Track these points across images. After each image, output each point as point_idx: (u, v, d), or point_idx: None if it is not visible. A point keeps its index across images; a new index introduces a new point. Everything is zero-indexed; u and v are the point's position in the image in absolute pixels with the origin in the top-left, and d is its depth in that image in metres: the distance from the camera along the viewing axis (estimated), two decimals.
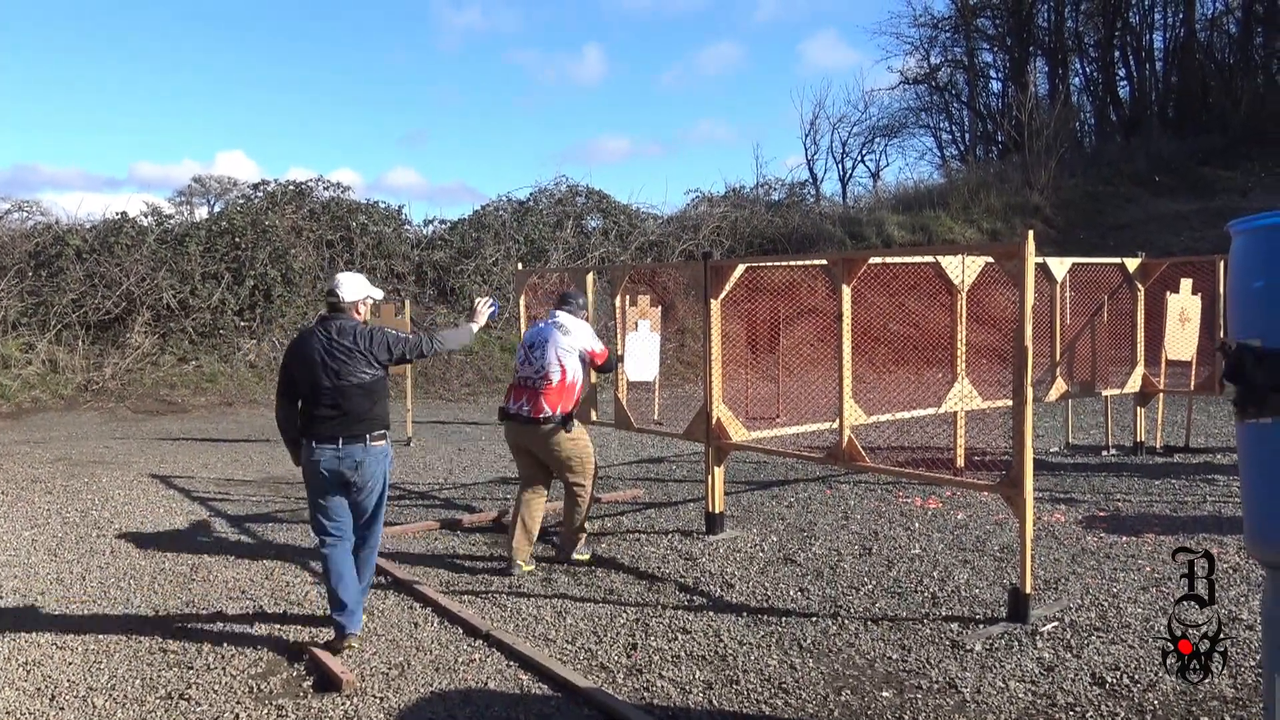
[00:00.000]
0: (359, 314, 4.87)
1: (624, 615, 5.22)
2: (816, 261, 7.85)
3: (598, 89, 60.85)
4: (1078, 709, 3.94)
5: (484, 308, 5.44)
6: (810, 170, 35.88)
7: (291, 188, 19.74)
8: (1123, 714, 3.89)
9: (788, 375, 12.97)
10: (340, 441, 4.70)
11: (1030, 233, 4.91)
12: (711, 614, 5.23)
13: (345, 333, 4.75)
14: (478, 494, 8.69)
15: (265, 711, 4.15)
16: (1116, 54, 37.10)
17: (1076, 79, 38.08)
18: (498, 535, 6.97)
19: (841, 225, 22.47)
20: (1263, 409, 2.62)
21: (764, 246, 20.99)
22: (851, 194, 33.75)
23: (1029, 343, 4.86)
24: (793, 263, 8.70)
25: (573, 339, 6.10)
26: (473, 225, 20.58)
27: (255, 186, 20.28)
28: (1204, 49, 35.16)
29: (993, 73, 39.39)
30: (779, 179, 27.79)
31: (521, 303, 8.52)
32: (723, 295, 6.74)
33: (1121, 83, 37.31)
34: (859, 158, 37.44)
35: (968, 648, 4.63)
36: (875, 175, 37.77)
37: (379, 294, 5.03)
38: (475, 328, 5.33)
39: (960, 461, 8.40)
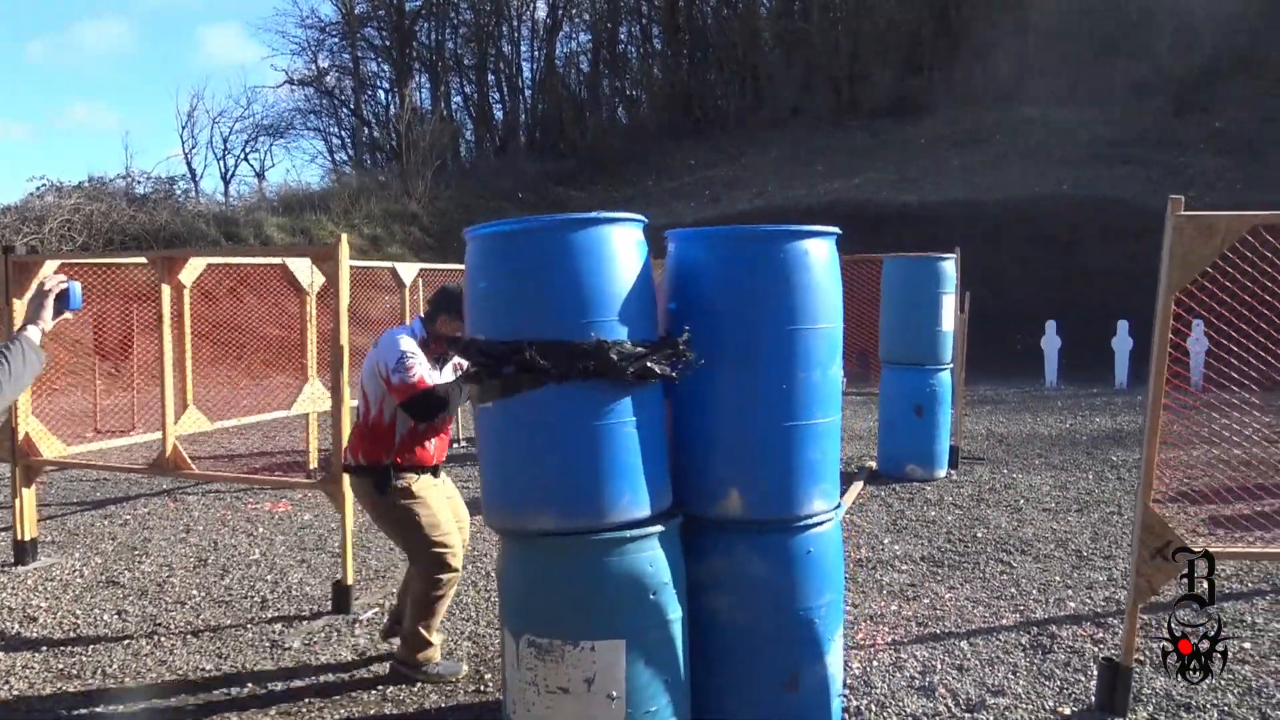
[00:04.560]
0: None
1: None
2: (137, 260, 7.31)
3: None
4: (379, 687, 4.16)
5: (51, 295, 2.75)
6: (189, 165, 33.72)
7: None
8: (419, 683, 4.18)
9: (152, 383, 11.96)
10: None
11: (345, 237, 5.07)
12: (2, 655, 4.60)
13: None
14: None
15: None
16: (491, 78, 40.33)
17: (458, 97, 40.63)
18: None
19: (217, 224, 21.35)
20: (485, 395, 2.99)
21: (125, 243, 19.14)
22: (236, 193, 32.38)
23: (345, 342, 5.03)
24: (115, 260, 8.01)
25: (377, 354, 4.00)
26: None
27: None
28: (563, 83, 39.67)
29: (380, 82, 40.48)
30: (144, 172, 25.44)
31: None
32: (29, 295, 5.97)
33: (497, 105, 40.59)
34: (242, 156, 35.84)
35: (286, 645, 4.65)
36: (260, 175, 36.66)
37: None
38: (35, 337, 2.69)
39: (313, 463, 8.43)
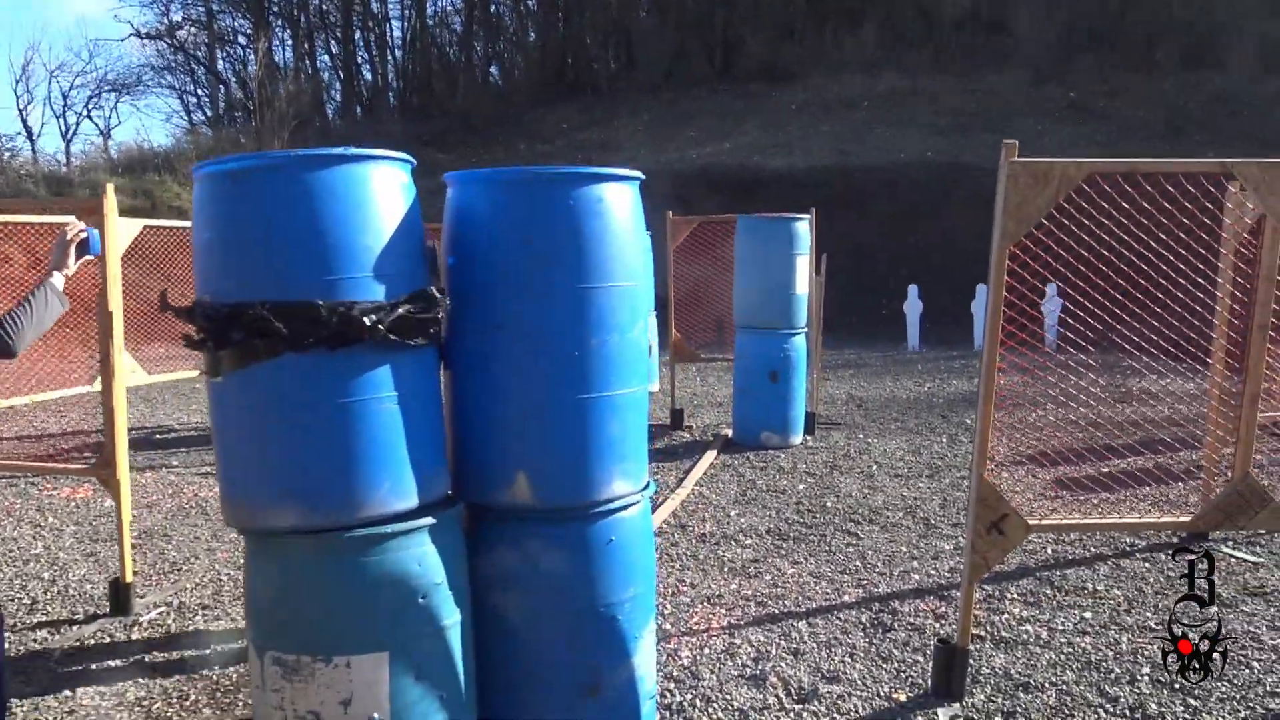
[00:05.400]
0: None
1: None
2: None
3: None
4: (144, 705, 3.63)
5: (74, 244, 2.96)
6: (23, 122, 31.32)
7: None
8: (194, 696, 3.67)
9: None
10: None
11: (111, 187, 4.44)
12: None
13: None
14: None
15: None
16: (359, 36, 38.71)
17: (325, 56, 38.93)
18: None
19: (47, 186, 19.80)
20: (212, 367, 2.49)
21: None
22: (82, 153, 30.24)
23: (118, 310, 4.41)
24: None
25: None
26: None
27: None
28: (434, 43, 38.38)
29: (238, 38, 38.40)
30: None
31: None
32: None
33: (366, 65, 39.03)
34: (85, 113, 33.56)
35: (49, 656, 4.06)
36: (105, 134, 34.42)
37: None
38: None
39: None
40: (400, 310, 2.46)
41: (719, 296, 9.13)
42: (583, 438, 2.71)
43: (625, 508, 2.86)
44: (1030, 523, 3.34)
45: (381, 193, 2.51)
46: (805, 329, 7.99)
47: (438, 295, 2.55)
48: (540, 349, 2.67)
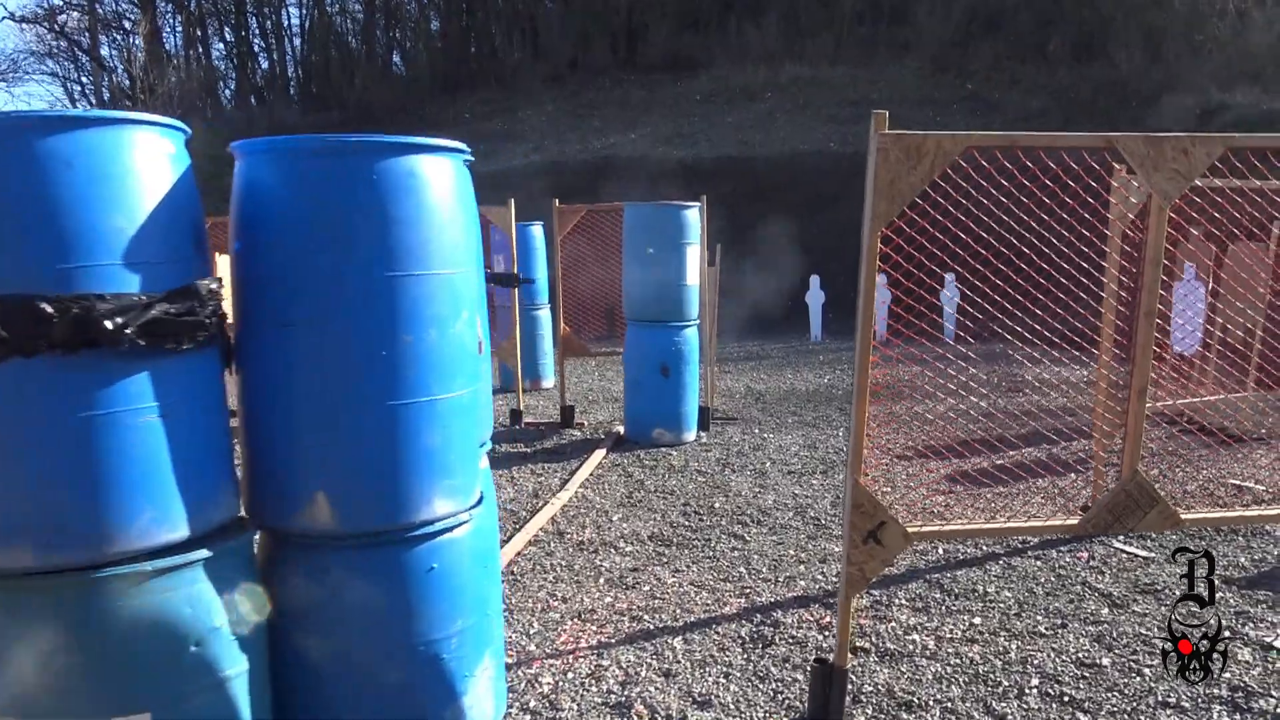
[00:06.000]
0: None
1: None
2: None
3: None
4: None
5: None
6: None
7: None
8: None
9: None
10: None
11: None
12: None
13: None
14: None
15: None
16: (254, 24, 37.36)
17: (220, 45, 37.50)
18: None
19: None
20: None
21: None
22: None
23: None
24: None
25: None
26: None
27: None
28: (334, 31, 37.24)
29: (126, 23, 36.66)
30: None
31: None
32: None
33: (262, 54, 37.71)
34: None
35: None
36: None
37: None
38: None
39: None
40: (156, 310, 2.05)
41: (610, 287, 8.79)
42: (393, 450, 2.34)
43: (450, 529, 2.49)
44: (910, 530, 3.08)
45: (140, 165, 2.10)
46: (697, 321, 7.70)
47: (206, 292, 2.14)
48: (339, 348, 2.29)
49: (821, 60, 25.74)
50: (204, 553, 2.16)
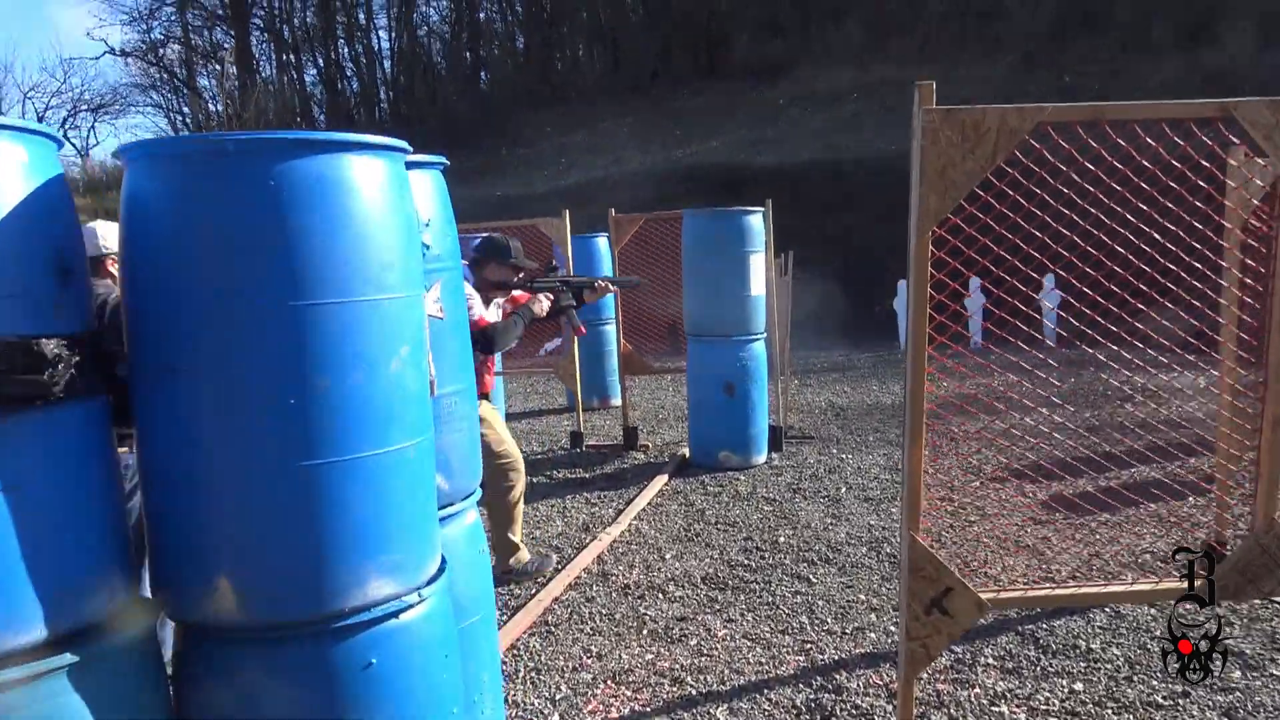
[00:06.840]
0: None
1: None
2: None
3: None
4: None
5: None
6: None
7: None
8: None
9: None
10: None
11: None
12: None
13: None
14: None
15: None
16: (345, 48, 38.16)
17: (313, 70, 38.43)
18: None
19: None
20: None
21: None
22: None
23: None
24: None
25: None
26: None
27: None
28: (423, 52, 37.83)
29: (220, 54, 37.82)
30: None
31: None
32: None
33: (353, 77, 38.51)
34: (62, 133, 32.94)
35: None
36: (84, 155, 33.77)
37: None
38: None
39: None
40: (29, 366, 1.63)
41: (672, 300, 8.29)
42: (309, 522, 1.88)
43: (393, 614, 2.02)
44: (984, 596, 2.50)
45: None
46: (763, 334, 7.14)
47: (49, 349, 1.70)
48: (235, 397, 1.84)
49: (908, 60, 24.79)
50: (66, 658, 1.73)
